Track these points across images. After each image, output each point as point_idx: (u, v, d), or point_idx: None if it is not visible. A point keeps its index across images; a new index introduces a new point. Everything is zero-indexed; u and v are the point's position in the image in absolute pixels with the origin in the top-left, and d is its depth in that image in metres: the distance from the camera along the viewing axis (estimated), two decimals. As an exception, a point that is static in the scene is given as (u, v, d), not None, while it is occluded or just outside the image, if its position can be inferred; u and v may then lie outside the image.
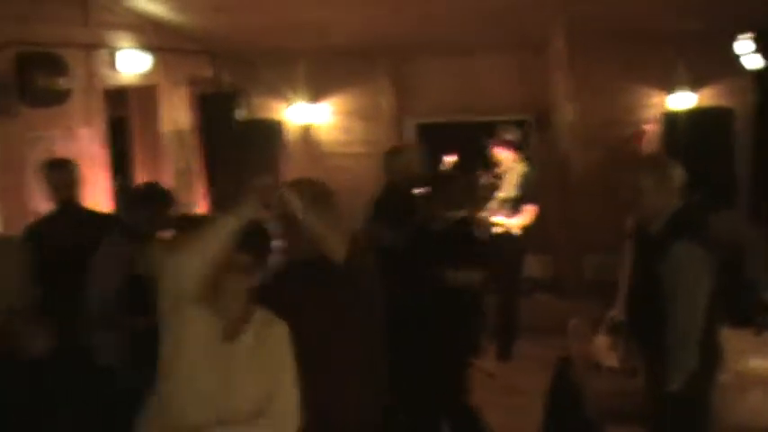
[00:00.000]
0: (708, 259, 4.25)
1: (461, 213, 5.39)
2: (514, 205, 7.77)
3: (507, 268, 7.87)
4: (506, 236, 7.74)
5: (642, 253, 4.64)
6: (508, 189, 7.81)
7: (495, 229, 7.60)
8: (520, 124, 9.01)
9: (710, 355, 4.40)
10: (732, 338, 4.80)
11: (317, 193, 3.72)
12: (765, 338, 5.90)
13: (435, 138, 9.36)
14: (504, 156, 7.88)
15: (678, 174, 4.45)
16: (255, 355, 3.24)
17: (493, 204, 7.78)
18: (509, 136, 7.88)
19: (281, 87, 9.95)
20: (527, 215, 7.76)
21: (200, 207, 9.30)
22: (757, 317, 6.03)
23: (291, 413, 3.28)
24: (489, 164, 7.94)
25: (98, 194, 7.62)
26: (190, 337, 3.17)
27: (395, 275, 4.01)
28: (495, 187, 7.84)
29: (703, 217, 4.60)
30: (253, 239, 3.24)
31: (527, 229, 7.80)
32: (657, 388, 4.42)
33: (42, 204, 6.79)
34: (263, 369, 3.24)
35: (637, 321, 4.74)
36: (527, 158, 8.01)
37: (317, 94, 9.99)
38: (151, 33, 8.51)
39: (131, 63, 8.13)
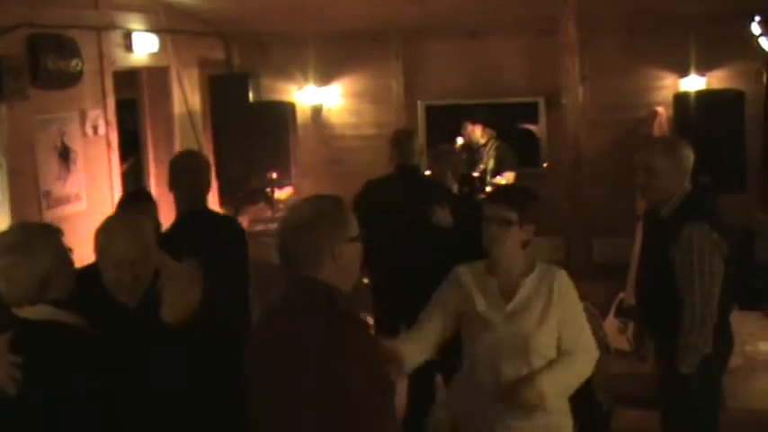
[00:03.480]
0: (720, 242, 4.23)
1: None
2: (493, 175, 8.47)
3: None
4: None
5: (653, 236, 4.61)
6: (486, 161, 8.55)
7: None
8: (530, 106, 9.22)
9: (722, 339, 4.40)
10: (741, 321, 4.80)
11: None
12: (774, 322, 5.92)
13: (445, 120, 9.38)
14: (477, 132, 8.73)
15: (691, 155, 4.41)
16: (538, 304, 3.66)
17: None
18: (479, 116, 8.77)
19: (291, 69, 9.94)
20: (508, 179, 8.42)
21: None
22: (766, 300, 6.04)
23: (593, 344, 3.78)
24: (465, 141, 8.76)
25: (109, 176, 7.65)
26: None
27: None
28: (474, 161, 8.52)
29: (713, 200, 4.58)
30: (516, 195, 3.76)
31: None
32: (669, 371, 4.41)
33: (54, 186, 6.84)
34: (551, 314, 3.64)
35: (648, 305, 4.72)
36: (497, 135, 8.78)
37: (327, 76, 9.98)
38: (162, 15, 8.50)
39: (142, 45, 8.14)
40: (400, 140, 6.07)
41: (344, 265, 2.80)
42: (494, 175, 8.42)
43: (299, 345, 2.70)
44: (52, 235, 3.31)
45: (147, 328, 3.17)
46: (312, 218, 2.77)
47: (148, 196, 5.18)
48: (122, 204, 5.04)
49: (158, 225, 4.79)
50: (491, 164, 8.52)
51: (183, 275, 3.22)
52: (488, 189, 8.02)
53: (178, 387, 3.11)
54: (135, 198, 5.13)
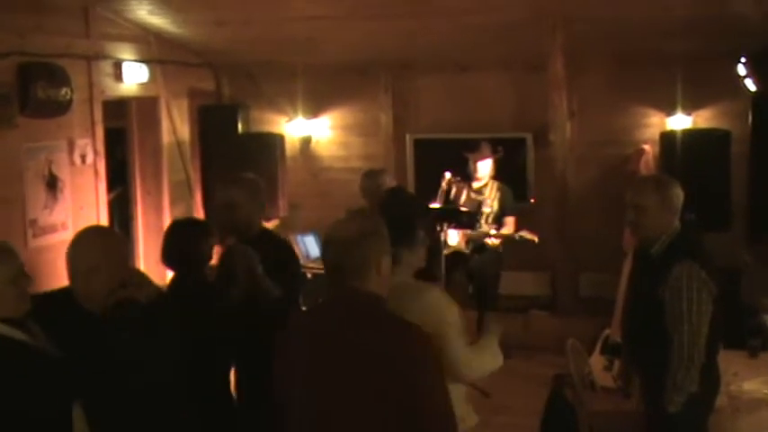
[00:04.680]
0: (709, 281, 4.25)
1: None
2: (497, 219, 8.12)
3: (486, 282, 8.05)
4: (489, 250, 8.07)
5: (642, 274, 4.63)
6: (491, 204, 8.14)
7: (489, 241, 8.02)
8: (517, 142, 9.16)
9: (709, 379, 4.41)
10: (725, 361, 4.80)
11: None
12: (759, 361, 5.91)
13: (434, 154, 9.41)
14: (485, 171, 8.19)
15: (680, 194, 4.45)
16: None
17: (480, 219, 8.04)
18: (488, 151, 8.19)
19: (280, 101, 9.98)
20: (509, 227, 8.09)
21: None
22: (752, 339, 6.05)
23: None
24: (471, 177, 8.21)
25: (96, 206, 7.64)
26: None
27: None
28: (480, 203, 8.11)
29: (702, 239, 4.61)
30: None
31: (508, 242, 8.05)
32: (655, 410, 4.42)
33: (40, 215, 6.82)
34: None
35: (635, 342, 4.73)
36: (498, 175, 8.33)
37: (316, 108, 10.01)
38: (152, 45, 8.54)
39: (132, 74, 8.16)
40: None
41: (384, 275, 3.12)
42: (496, 220, 8.15)
43: (362, 349, 2.99)
44: (4, 254, 3.37)
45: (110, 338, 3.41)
46: (361, 234, 3.06)
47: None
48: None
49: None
50: (495, 206, 8.17)
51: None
52: (491, 240, 7.98)
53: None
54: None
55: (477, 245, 7.96)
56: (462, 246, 7.88)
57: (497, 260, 8.21)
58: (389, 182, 6.89)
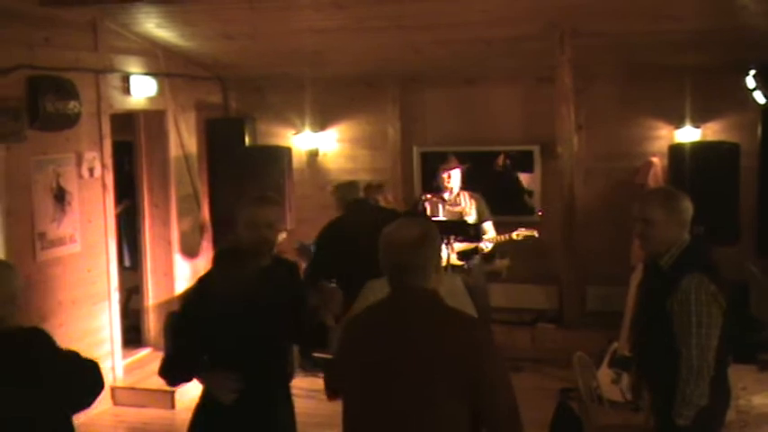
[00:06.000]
0: (718, 294, 4.24)
1: None
2: (477, 226, 8.07)
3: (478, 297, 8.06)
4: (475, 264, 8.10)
5: (652, 287, 4.61)
6: (471, 212, 8.16)
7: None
8: (525, 155, 9.17)
9: (720, 393, 4.38)
10: (735, 375, 4.78)
11: None
12: (769, 375, 5.89)
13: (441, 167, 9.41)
14: (455, 181, 8.23)
15: (689, 207, 4.43)
16: None
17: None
18: (455, 162, 8.29)
19: (288, 114, 9.99)
20: (491, 231, 8.15)
21: (205, 233, 9.33)
22: (761, 354, 6.02)
23: None
24: (441, 188, 8.26)
25: (104, 218, 7.65)
26: None
27: None
28: (461, 214, 8.13)
29: (711, 252, 4.59)
30: None
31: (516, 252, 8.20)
32: (664, 423, 4.39)
33: (48, 228, 6.84)
34: None
35: (644, 355, 4.71)
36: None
37: (323, 121, 10.02)
38: (160, 59, 8.57)
39: (140, 88, 8.19)
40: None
41: (439, 274, 3.37)
42: (477, 228, 8.06)
43: (428, 342, 3.19)
44: None
45: None
46: (424, 237, 3.29)
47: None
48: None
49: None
50: (474, 215, 8.18)
51: None
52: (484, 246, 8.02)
53: None
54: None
55: (469, 257, 7.98)
56: (454, 259, 7.87)
57: (482, 274, 8.25)
58: (361, 194, 7.28)
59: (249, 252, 4.42)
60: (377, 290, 4.12)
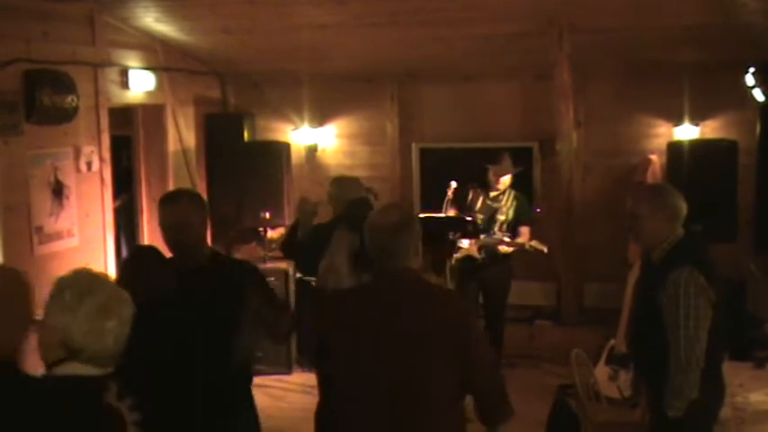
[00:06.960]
0: (708, 287, 4.25)
1: None
2: (511, 227, 7.94)
3: (496, 292, 7.98)
4: (501, 260, 7.93)
5: (645, 281, 4.65)
6: (506, 212, 7.95)
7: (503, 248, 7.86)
8: (524, 151, 9.10)
9: (713, 387, 4.39)
10: (731, 372, 4.79)
11: None
12: (765, 372, 5.89)
13: (439, 163, 9.42)
14: (504, 180, 7.95)
15: (679, 203, 4.46)
16: None
17: (494, 227, 7.91)
18: (510, 167, 7.95)
19: (286, 110, 9.98)
20: (524, 236, 7.90)
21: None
22: (758, 351, 6.03)
23: None
24: (488, 186, 7.99)
25: (102, 213, 7.65)
26: None
27: None
28: (494, 210, 7.95)
29: (705, 247, 4.60)
30: None
31: (519, 252, 7.91)
32: (658, 417, 4.41)
33: (46, 222, 6.82)
34: None
35: (639, 351, 4.73)
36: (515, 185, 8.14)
37: (322, 116, 10.01)
38: (159, 53, 8.55)
39: (139, 82, 8.18)
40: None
41: (419, 256, 3.66)
42: (510, 228, 7.93)
43: (416, 315, 3.48)
44: None
45: None
46: (405, 221, 3.62)
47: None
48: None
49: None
50: (510, 215, 7.94)
51: None
52: (503, 248, 7.82)
53: None
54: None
55: (490, 252, 7.87)
56: (474, 251, 7.82)
57: (509, 271, 8.07)
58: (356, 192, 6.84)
59: (157, 258, 4.04)
60: (348, 238, 4.69)
